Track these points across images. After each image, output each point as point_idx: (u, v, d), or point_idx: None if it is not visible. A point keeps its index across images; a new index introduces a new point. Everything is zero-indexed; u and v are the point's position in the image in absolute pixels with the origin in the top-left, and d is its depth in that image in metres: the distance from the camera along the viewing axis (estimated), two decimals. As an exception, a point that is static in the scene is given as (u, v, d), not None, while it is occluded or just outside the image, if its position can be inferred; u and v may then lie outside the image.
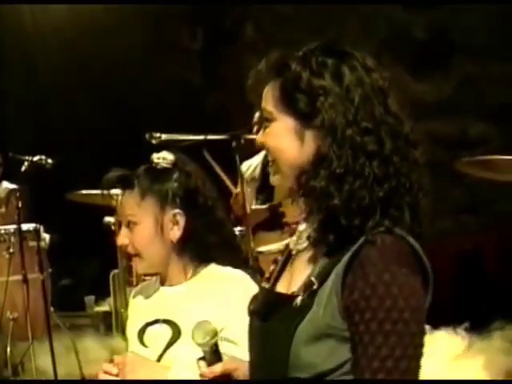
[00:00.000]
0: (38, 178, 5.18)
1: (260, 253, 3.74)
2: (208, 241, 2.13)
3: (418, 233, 1.47)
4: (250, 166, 5.17)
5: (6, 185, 5.52)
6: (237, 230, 4.09)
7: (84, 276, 7.07)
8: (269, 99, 1.54)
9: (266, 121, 1.55)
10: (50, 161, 5.03)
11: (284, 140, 1.51)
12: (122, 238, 2.13)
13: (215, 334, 1.67)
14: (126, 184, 2.14)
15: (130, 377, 1.89)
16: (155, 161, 2.15)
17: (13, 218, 5.00)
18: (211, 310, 2.03)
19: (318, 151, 1.47)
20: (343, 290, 1.42)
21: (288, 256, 1.64)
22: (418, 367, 1.42)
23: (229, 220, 2.26)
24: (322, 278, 1.46)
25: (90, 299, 6.53)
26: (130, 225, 2.12)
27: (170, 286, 2.18)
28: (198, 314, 2.04)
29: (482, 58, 6.31)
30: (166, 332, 2.11)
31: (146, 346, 2.14)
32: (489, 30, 6.32)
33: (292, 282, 1.56)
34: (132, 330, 2.23)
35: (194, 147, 3.68)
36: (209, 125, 4.03)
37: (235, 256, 2.24)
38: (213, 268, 2.17)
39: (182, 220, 2.10)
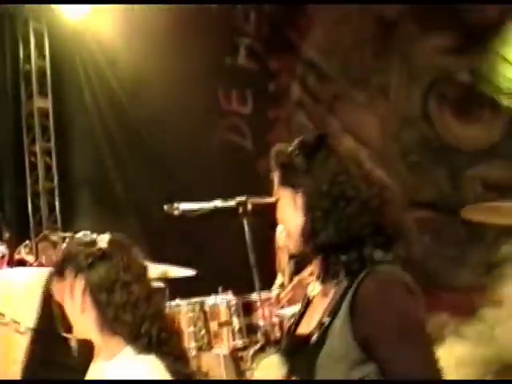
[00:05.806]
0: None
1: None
2: None
3: (403, 256, 1.81)
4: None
5: None
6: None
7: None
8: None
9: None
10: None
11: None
12: None
13: None
14: None
15: None
16: None
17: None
18: None
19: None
20: (353, 321, 1.74)
21: (307, 302, 1.98)
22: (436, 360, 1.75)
23: None
24: (333, 313, 1.79)
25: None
26: None
27: None
28: None
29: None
30: None
31: None
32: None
33: (310, 322, 1.88)
34: None
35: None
36: (262, 188, 4.00)
37: None
38: None
39: None
